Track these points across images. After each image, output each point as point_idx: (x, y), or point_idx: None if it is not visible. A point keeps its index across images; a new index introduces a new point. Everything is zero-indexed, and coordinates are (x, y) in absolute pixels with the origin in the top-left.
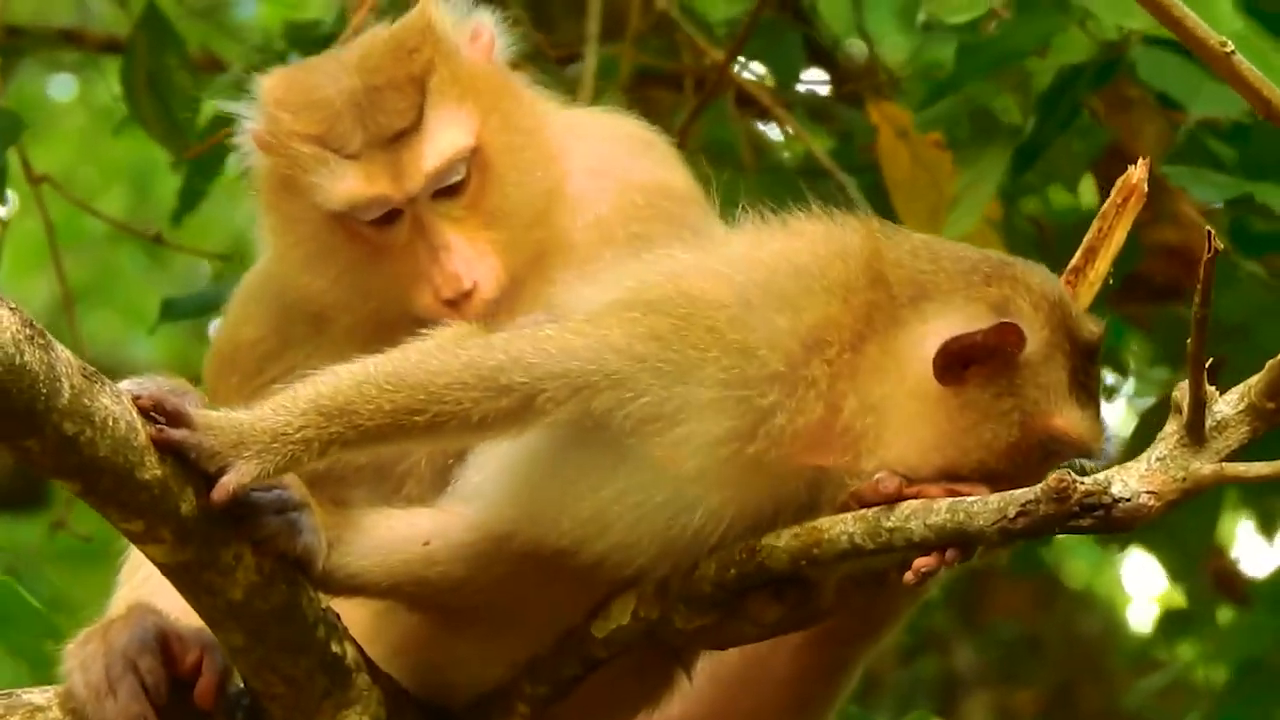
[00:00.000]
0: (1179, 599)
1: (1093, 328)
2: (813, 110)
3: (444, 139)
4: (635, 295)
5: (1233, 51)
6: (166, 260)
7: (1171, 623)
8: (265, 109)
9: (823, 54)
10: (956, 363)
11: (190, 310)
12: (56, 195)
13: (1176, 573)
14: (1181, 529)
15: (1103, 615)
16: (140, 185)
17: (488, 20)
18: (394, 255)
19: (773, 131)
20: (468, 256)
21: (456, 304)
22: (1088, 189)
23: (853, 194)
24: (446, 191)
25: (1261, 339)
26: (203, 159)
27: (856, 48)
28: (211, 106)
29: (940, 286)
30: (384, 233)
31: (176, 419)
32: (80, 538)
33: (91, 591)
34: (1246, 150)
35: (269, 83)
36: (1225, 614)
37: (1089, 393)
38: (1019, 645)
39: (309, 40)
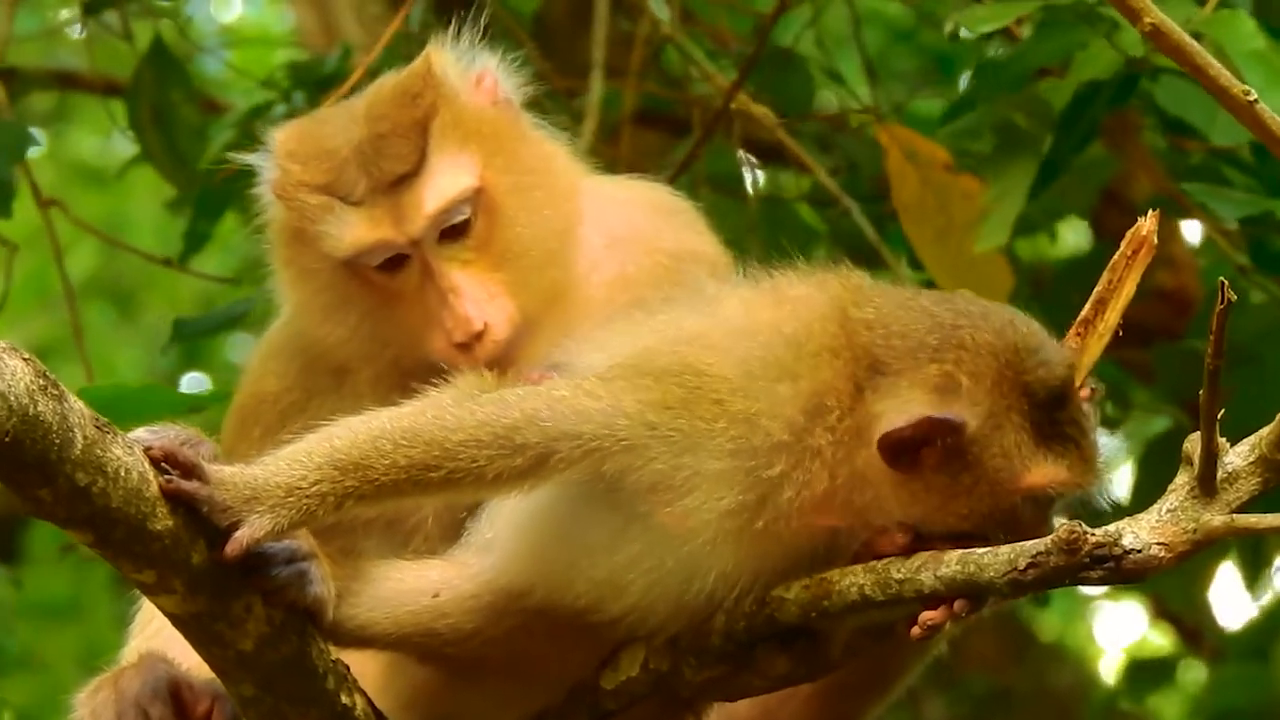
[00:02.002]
0: (1152, 651)
1: (1056, 372)
2: (813, 142)
3: (445, 181)
4: (646, 361)
5: (1256, 100)
6: (136, 316)
7: (1139, 674)
8: (277, 161)
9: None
10: (903, 452)
11: (200, 331)
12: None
13: (1180, 605)
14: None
15: (1074, 668)
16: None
17: (492, 64)
18: (406, 301)
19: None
20: (478, 298)
21: (469, 346)
22: (1080, 232)
23: (859, 220)
24: (452, 234)
25: (1272, 366)
26: (207, 199)
27: (825, 97)
28: (215, 145)
29: (890, 365)
30: (394, 278)
31: (189, 471)
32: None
33: (61, 649)
34: (1264, 168)
35: (281, 135)
36: (1195, 668)
37: (1064, 436)
38: (990, 698)
39: (312, 80)
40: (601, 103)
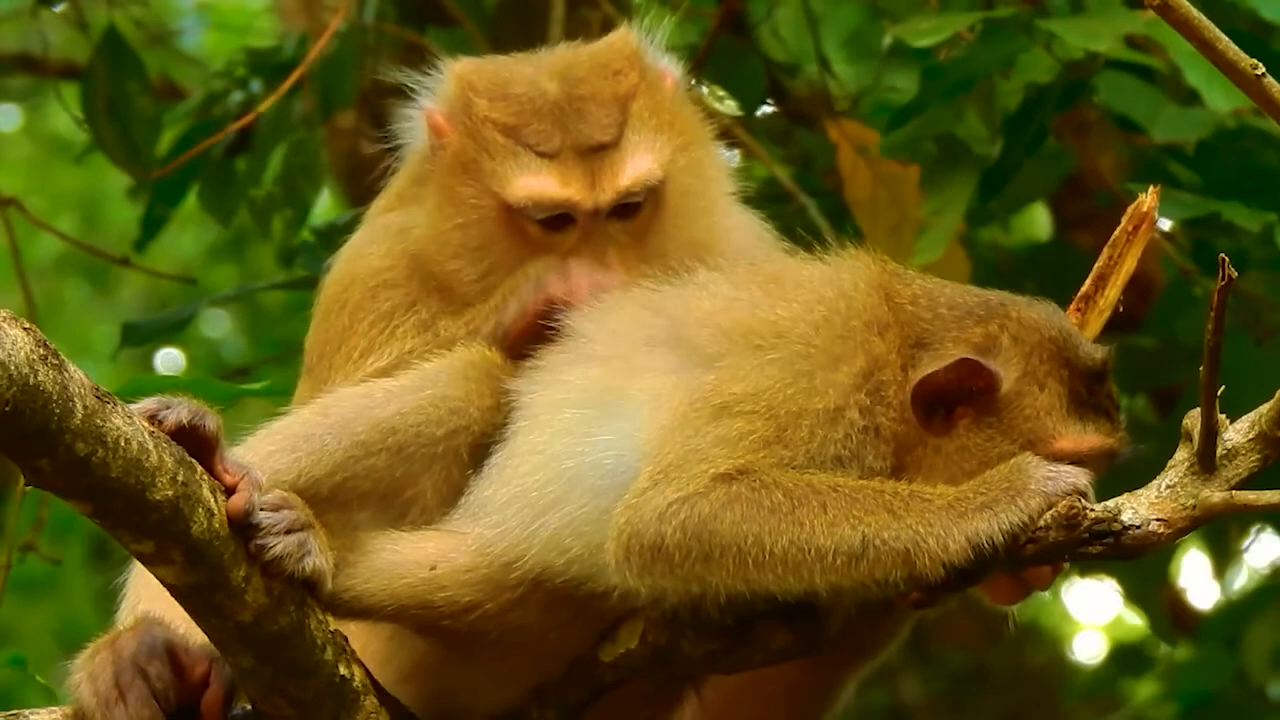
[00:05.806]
0: (1127, 631)
1: (1095, 354)
2: (770, 135)
3: (641, 161)
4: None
5: (1263, 74)
6: (112, 291)
7: (1123, 657)
8: (458, 92)
9: (773, 80)
10: (937, 407)
11: (151, 334)
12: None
13: (1136, 596)
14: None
15: (1050, 647)
16: (89, 214)
17: (674, 64)
18: (548, 255)
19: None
20: (611, 286)
21: (555, 308)
22: (1042, 219)
23: (814, 216)
24: (622, 213)
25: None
26: (165, 185)
27: (804, 77)
28: (172, 132)
29: (934, 335)
30: (550, 236)
31: (203, 444)
32: (50, 560)
33: (40, 625)
34: (1211, 169)
35: (460, 67)
36: (1181, 650)
37: (1097, 409)
38: (967, 676)
39: (269, 66)
40: None
